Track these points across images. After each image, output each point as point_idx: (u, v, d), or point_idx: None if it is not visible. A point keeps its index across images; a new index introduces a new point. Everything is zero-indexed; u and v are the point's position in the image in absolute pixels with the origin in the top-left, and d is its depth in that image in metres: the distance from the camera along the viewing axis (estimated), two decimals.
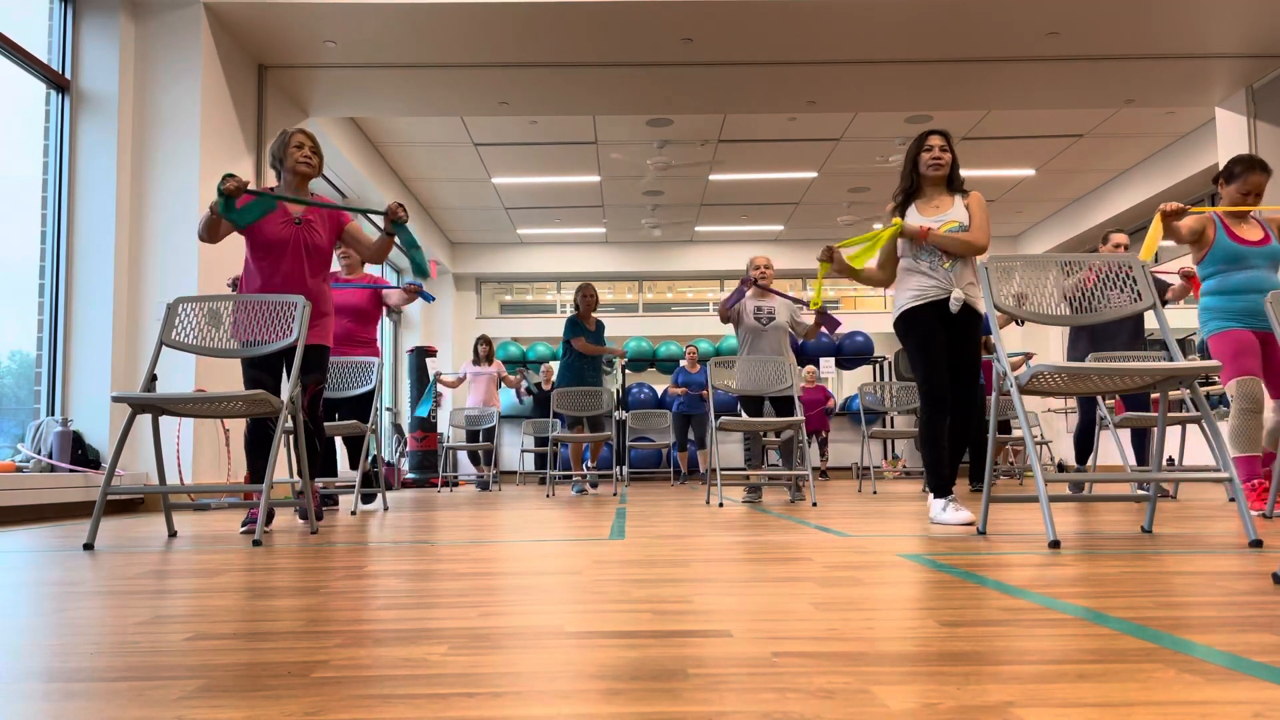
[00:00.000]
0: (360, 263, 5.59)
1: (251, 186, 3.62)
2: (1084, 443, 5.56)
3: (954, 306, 3.62)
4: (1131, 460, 5.46)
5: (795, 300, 5.84)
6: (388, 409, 11.23)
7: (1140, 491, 5.11)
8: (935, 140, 3.82)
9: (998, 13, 6.26)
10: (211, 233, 3.71)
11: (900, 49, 6.77)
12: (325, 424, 5.16)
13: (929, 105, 7.95)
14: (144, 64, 6.03)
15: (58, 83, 5.70)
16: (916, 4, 6.13)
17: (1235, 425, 3.81)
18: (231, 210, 3.60)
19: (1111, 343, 5.46)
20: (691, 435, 10.62)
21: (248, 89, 6.67)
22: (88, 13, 5.84)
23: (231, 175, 3.55)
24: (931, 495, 3.60)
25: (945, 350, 3.66)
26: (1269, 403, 4.02)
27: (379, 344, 5.60)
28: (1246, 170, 3.96)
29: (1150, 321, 9.14)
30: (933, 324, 3.65)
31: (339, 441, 6.11)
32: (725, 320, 5.73)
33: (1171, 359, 2.93)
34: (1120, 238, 5.51)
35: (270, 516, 3.75)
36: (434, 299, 5.66)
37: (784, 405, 5.78)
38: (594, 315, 7.31)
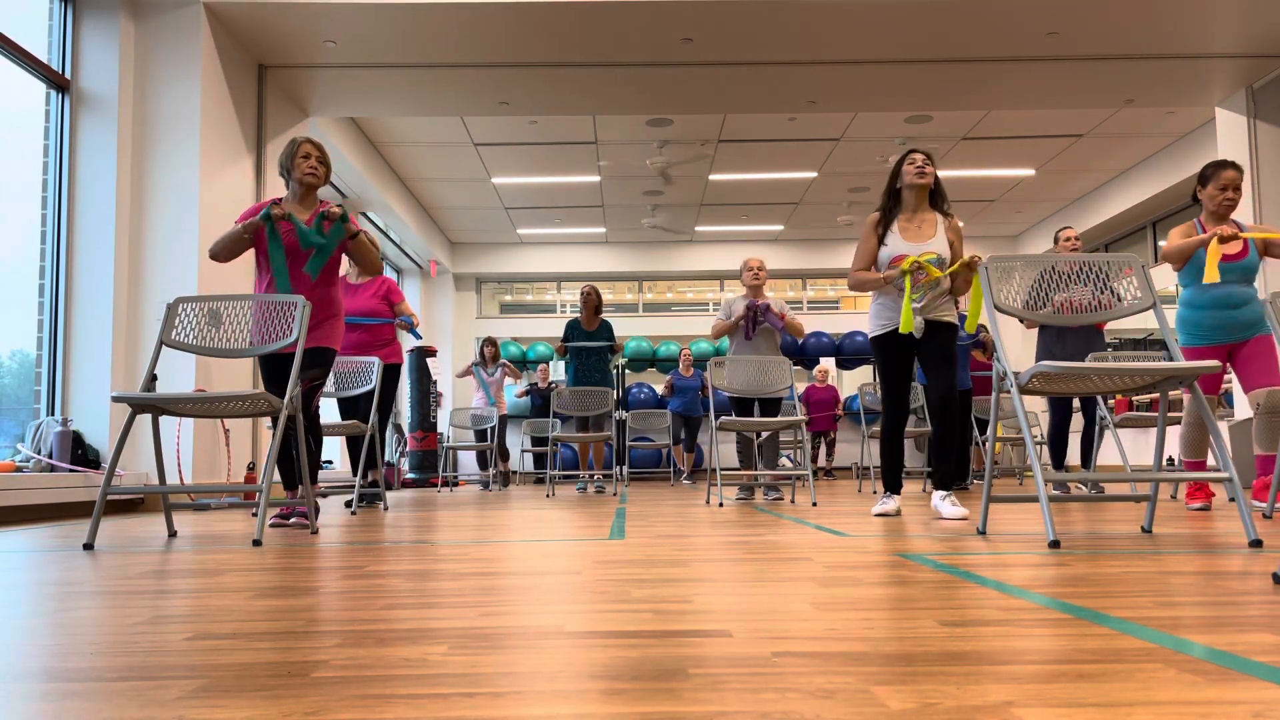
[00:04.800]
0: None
1: (279, 212, 3.81)
2: (1059, 443, 5.60)
3: (916, 334, 3.90)
4: (1111, 460, 5.46)
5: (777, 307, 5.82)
6: None
7: (1089, 490, 5.21)
8: (918, 156, 4.01)
9: (998, 13, 6.26)
10: (231, 251, 3.82)
11: (900, 49, 6.77)
12: (336, 422, 5.18)
13: (929, 105, 7.95)
14: (144, 64, 6.03)
15: (58, 83, 5.70)
16: (916, 4, 6.13)
17: (1184, 433, 4.13)
18: (274, 238, 3.83)
19: (1069, 344, 5.50)
20: (684, 436, 10.65)
21: (248, 89, 6.67)
22: (88, 13, 5.84)
23: (278, 202, 3.79)
24: (885, 490, 4.10)
25: (910, 369, 4.03)
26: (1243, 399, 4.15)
27: (399, 343, 5.66)
28: (1217, 169, 4.09)
29: (1149, 321, 9.15)
30: (898, 349, 3.99)
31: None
32: (719, 335, 5.79)
33: (1172, 359, 2.93)
34: (1070, 232, 5.62)
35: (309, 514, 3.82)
36: (419, 336, 5.85)
37: (771, 407, 5.77)
38: (600, 317, 7.32)
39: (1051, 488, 5.39)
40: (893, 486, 4.08)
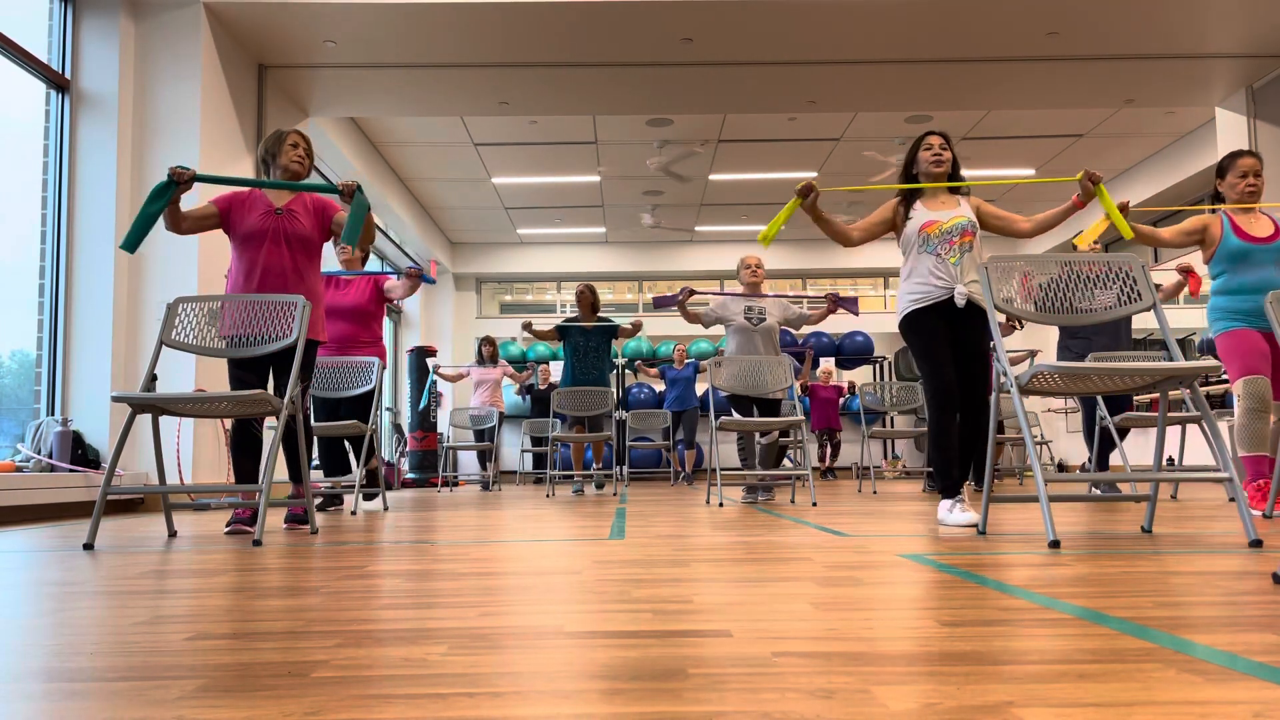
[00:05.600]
0: (360, 260, 5.57)
1: (203, 172, 3.56)
2: (1098, 441, 5.51)
3: (959, 301, 3.53)
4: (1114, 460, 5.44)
5: (786, 296, 5.82)
6: (387, 409, 11.23)
7: (1095, 491, 5.12)
8: (934, 139, 3.76)
9: (998, 13, 6.26)
10: (173, 221, 3.61)
11: (900, 49, 6.77)
12: (331, 423, 5.15)
13: (929, 105, 7.95)
14: (144, 64, 6.03)
15: (58, 83, 5.70)
16: (916, 4, 6.13)
17: (1241, 424, 3.77)
18: (159, 199, 3.48)
19: (1092, 345, 5.44)
20: (681, 434, 10.63)
21: (248, 89, 6.67)
22: (88, 13, 5.84)
23: (183, 167, 3.49)
24: (941, 496, 3.55)
25: (951, 348, 3.59)
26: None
27: (384, 344, 5.57)
28: (1234, 158, 4.00)
29: (1149, 321, 9.09)
30: (937, 324, 3.59)
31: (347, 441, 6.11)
32: (690, 320, 5.75)
33: (1171, 359, 2.93)
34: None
35: (253, 517, 3.74)
36: (434, 281, 5.51)
37: (770, 408, 5.72)
38: (598, 315, 7.30)
39: (1101, 488, 5.15)
40: (955, 488, 3.47)
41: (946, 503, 3.47)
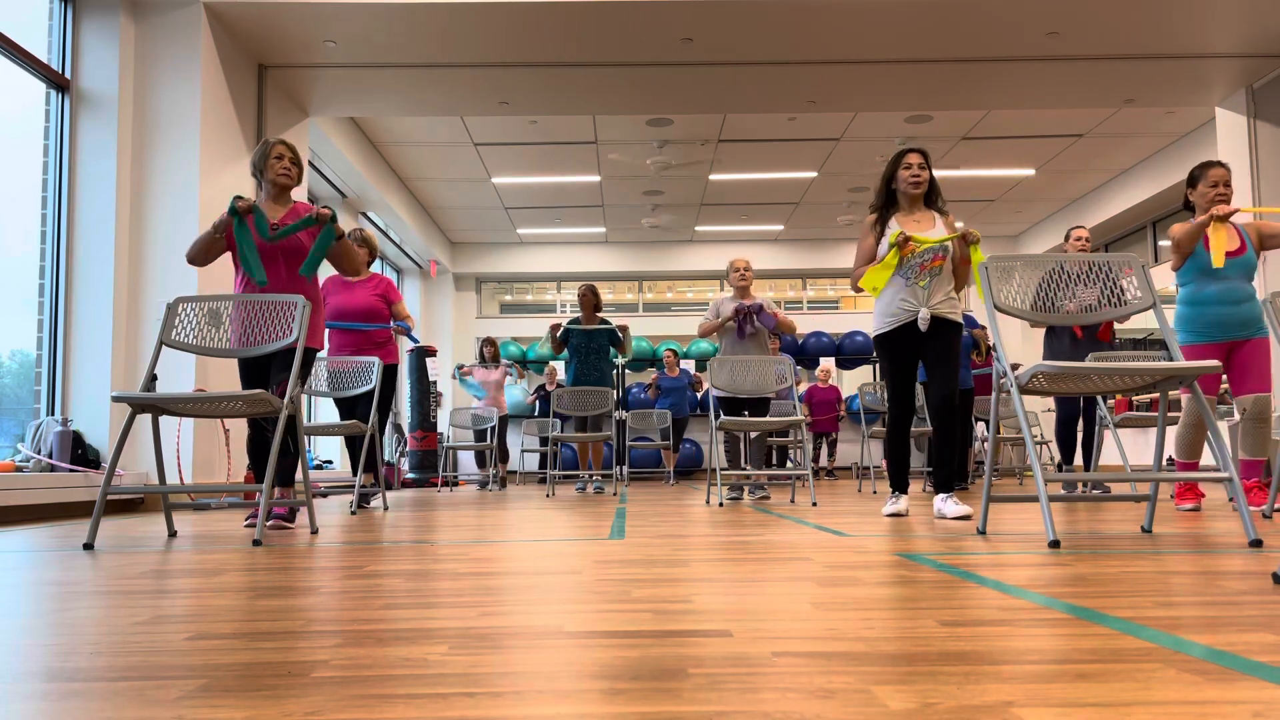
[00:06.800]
0: (365, 264, 5.60)
1: (257, 204, 3.76)
2: (1067, 439, 5.58)
3: (922, 326, 3.82)
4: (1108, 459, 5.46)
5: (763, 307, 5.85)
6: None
7: (1092, 490, 5.19)
8: (914, 158, 3.91)
9: (998, 13, 6.26)
10: (206, 254, 3.82)
11: (900, 49, 6.77)
12: (329, 423, 5.19)
13: (929, 105, 7.95)
14: (144, 64, 6.03)
15: (58, 83, 5.70)
16: (916, 4, 6.13)
17: (1181, 434, 4.06)
18: (242, 230, 3.73)
19: (1074, 350, 5.49)
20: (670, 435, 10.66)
21: (248, 89, 6.67)
22: (88, 13, 5.84)
23: (241, 196, 3.70)
24: (892, 491, 4.03)
25: (915, 367, 3.99)
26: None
27: (396, 343, 5.63)
28: (1205, 168, 4.10)
29: (1149, 321, 9.08)
30: (905, 344, 3.92)
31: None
32: (704, 334, 5.81)
33: (1172, 359, 2.93)
34: (1081, 231, 5.60)
35: (293, 515, 3.80)
36: (417, 340, 5.88)
37: (759, 408, 5.77)
38: (599, 316, 7.32)
39: (1060, 487, 5.33)
40: (900, 485, 4.00)
41: (889, 497, 4.00)
